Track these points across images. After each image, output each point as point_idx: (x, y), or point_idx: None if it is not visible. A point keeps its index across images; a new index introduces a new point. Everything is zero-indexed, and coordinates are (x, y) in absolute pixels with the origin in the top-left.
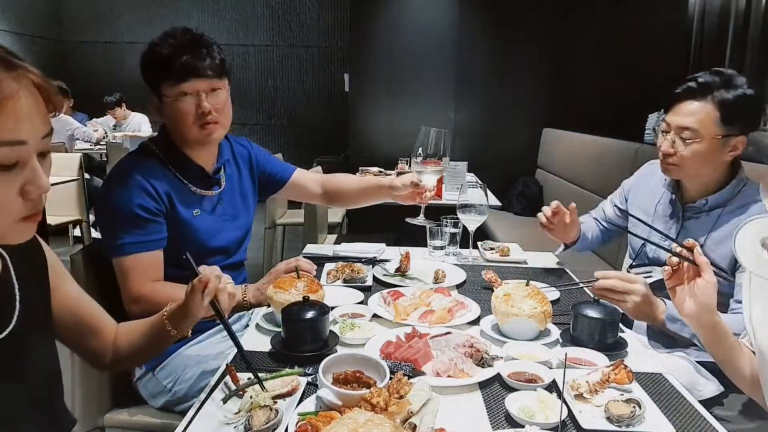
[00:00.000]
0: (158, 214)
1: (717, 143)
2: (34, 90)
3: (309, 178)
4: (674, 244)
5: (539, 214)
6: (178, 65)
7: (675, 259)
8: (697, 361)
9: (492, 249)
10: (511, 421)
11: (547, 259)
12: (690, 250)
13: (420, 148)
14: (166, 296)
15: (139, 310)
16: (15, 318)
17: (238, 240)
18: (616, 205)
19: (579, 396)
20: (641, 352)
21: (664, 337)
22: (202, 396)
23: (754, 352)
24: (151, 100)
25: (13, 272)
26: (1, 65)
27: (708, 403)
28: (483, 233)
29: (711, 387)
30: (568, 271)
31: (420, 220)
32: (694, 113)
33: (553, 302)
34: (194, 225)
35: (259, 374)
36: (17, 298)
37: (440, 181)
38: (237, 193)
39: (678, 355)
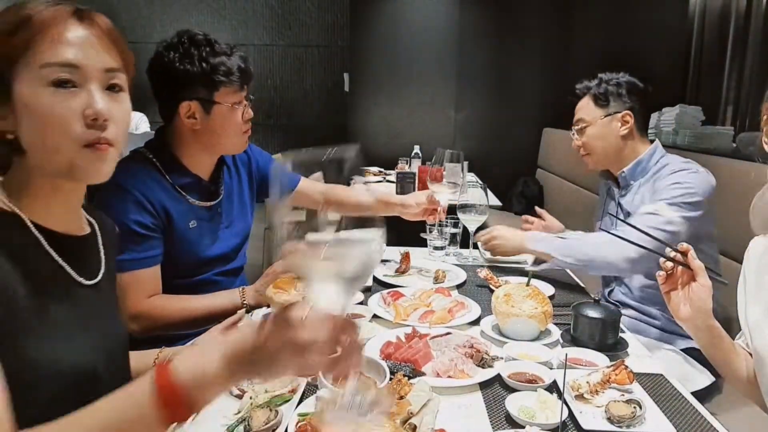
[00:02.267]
0: (155, 230)
1: (603, 123)
2: (94, 26)
3: (313, 189)
4: (668, 248)
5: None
6: (237, 71)
7: (669, 264)
8: (684, 349)
9: None
10: (512, 422)
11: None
12: (684, 254)
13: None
14: (164, 312)
15: (138, 327)
16: (101, 274)
17: (236, 247)
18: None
19: (579, 396)
20: (642, 353)
21: None
22: None
23: (750, 354)
24: (175, 106)
25: (99, 237)
26: (41, 2)
27: (701, 395)
28: None
29: (703, 378)
30: (568, 271)
31: (435, 237)
32: (579, 109)
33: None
34: (190, 237)
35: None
36: (102, 259)
37: (440, 180)
38: (235, 200)
39: (668, 348)
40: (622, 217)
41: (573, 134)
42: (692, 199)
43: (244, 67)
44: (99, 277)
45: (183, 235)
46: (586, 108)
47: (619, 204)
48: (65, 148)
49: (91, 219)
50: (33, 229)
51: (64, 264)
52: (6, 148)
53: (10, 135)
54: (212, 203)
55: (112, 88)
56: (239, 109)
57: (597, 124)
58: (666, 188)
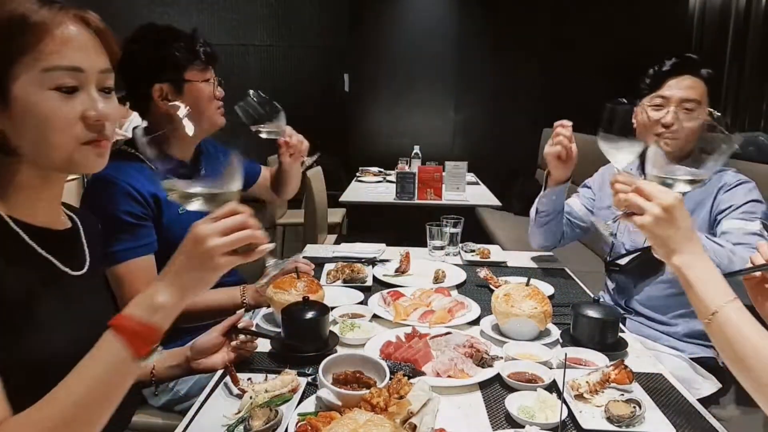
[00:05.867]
0: (146, 219)
1: (705, 119)
2: (89, 25)
3: (268, 177)
4: (756, 257)
5: (559, 137)
6: (202, 51)
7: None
8: (693, 358)
9: (473, 251)
10: (511, 422)
11: (526, 258)
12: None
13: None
14: None
15: None
16: (87, 266)
17: None
18: (587, 206)
19: (579, 396)
20: (641, 352)
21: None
22: (203, 395)
23: None
24: (148, 92)
25: (81, 231)
26: (38, 2)
27: (706, 401)
28: (483, 233)
29: (708, 385)
30: (568, 270)
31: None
32: (693, 87)
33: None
34: (182, 223)
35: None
36: (86, 252)
37: (440, 181)
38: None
39: (675, 354)
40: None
41: (658, 108)
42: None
43: (209, 49)
44: (85, 269)
45: (174, 223)
46: (703, 92)
47: None
48: (65, 147)
49: (71, 214)
50: (11, 223)
51: (48, 256)
52: None
53: None
54: None
55: (104, 90)
56: (209, 85)
57: (702, 116)
58: (747, 206)
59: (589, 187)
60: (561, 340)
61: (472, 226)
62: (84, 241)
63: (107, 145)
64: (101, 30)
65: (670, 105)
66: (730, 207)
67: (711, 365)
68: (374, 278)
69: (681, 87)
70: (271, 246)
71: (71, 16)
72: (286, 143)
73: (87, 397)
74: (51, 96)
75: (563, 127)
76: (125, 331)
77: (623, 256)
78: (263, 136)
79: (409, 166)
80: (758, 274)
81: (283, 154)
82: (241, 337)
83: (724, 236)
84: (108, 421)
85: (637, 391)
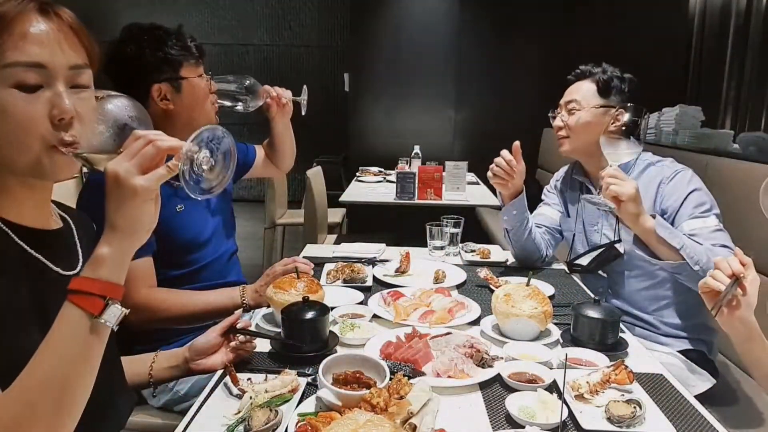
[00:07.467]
0: None
1: (597, 112)
2: (58, 21)
3: (263, 151)
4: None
5: (494, 167)
6: (193, 47)
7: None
8: (682, 352)
9: (473, 251)
10: (512, 422)
11: None
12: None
13: None
14: (163, 305)
15: (137, 318)
16: (80, 266)
17: (225, 228)
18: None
19: (579, 396)
20: (642, 353)
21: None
22: (202, 396)
23: None
24: (146, 93)
25: (75, 231)
26: None
27: (701, 398)
28: (482, 233)
29: (703, 382)
30: (567, 270)
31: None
32: (577, 90)
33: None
34: (179, 221)
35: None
36: (80, 252)
37: (440, 181)
38: None
39: (666, 352)
40: (612, 220)
41: (557, 112)
42: (714, 205)
43: (197, 44)
44: (77, 269)
45: (171, 221)
46: (584, 91)
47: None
48: (31, 149)
49: (63, 214)
50: None
51: (37, 255)
52: None
53: None
54: None
55: (77, 87)
56: (204, 81)
57: (590, 111)
58: (693, 198)
59: (551, 192)
60: (561, 341)
61: (472, 226)
62: (77, 240)
63: (74, 150)
64: (74, 24)
65: (561, 111)
66: (675, 201)
67: (703, 360)
68: (374, 278)
69: (567, 93)
70: (186, 145)
71: (37, 9)
72: (274, 99)
73: (60, 363)
74: (12, 94)
75: (503, 159)
76: (73, 291)
77: (583, 255)
78: (248, 109)
79: (409, 166)
80: (714, 285)
81: (276, 114)
82: (240, 337)
83: (693, 239)
84: (104, 421)
85: (638, 392)
